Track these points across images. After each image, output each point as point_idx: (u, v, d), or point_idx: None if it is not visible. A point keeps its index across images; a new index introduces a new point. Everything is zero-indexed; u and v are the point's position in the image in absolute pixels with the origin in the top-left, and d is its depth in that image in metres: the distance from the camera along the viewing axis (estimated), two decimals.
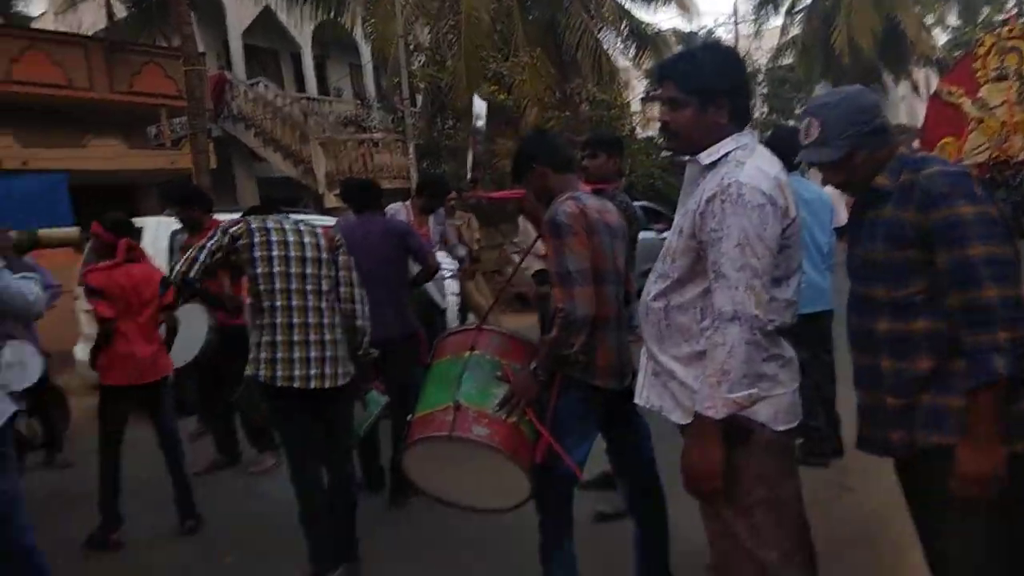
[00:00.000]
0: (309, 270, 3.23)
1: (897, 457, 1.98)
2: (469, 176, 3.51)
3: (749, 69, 21.03)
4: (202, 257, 3.09)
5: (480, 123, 3.46)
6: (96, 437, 3.97)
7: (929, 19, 26.38)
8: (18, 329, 4.49)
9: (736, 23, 26.02)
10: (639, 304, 2.16)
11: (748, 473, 1.86)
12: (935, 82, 17.16)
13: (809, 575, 1.94)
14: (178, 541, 3.92)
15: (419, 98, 16.02)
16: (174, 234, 6.20)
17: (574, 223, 2.48)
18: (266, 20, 18.02)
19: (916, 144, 9.55)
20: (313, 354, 3.16)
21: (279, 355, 3.11)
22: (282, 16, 17.28)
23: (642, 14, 21.39)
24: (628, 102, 19.55)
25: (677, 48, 18.84)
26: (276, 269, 3.15)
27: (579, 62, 15.74)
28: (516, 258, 6.97)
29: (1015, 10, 21.48)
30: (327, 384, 3.20)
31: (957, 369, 1.72)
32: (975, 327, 1.65)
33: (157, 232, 6.69)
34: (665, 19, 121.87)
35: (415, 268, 4.32)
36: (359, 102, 19.21)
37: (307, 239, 3.28)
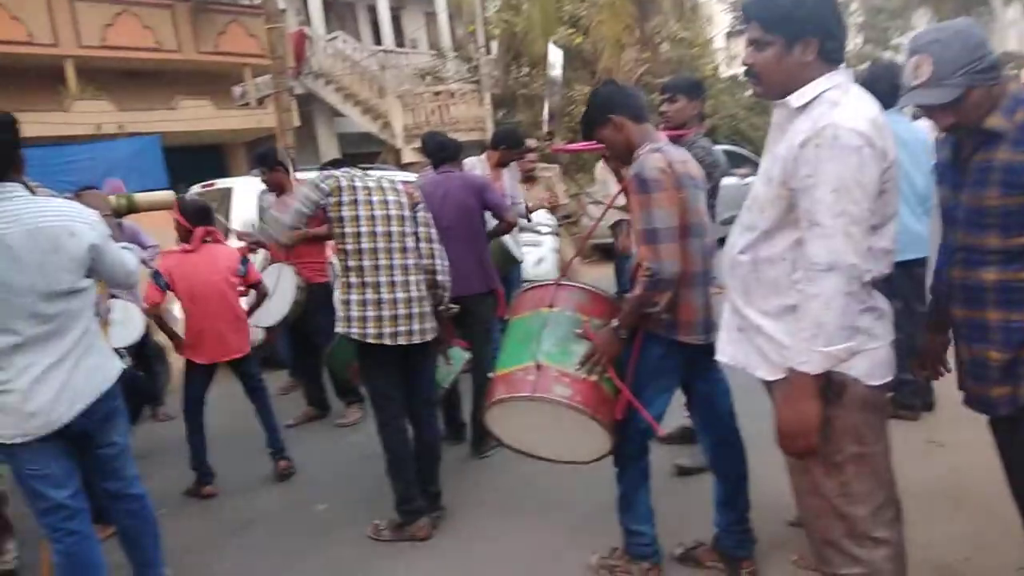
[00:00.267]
0: (394, 228, 3.28)
1: (999, 415, 1.87)
2: (546, 129, 3.43)
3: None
4: (305, 209, 3.24)
5: (555, 73, 3.36)
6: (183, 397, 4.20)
7: None
8: (120, 289, 4.75)
9: None
10: (723, 257, 2.09)
11: (840, 429, 1.80)
12: None
13: (897, 532, 1.88)
14: (270, 490, 4.13)
15: (494, 46, 15.80)
16: (261, 194, 6.39)
17: (662, 178, 2.41)
18: None
19: None
20: (401, 311, 3.24)
21: (369, 313, 3.20)
22: None
23: None
24: (711, 38, 18.74)
25: None
26: (363, 228, 3.22)
27: None
28: (592, 208, 6.87)
29: None
30: (415, 340, 3.27)
31: None
32: None
33: (246, 191, 6.93)
34: None
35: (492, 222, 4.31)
36: (434, 53, 19.12)
37: (390, 197, 3.32)
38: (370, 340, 3.20)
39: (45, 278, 2.36)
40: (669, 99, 3.64)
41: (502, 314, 2.91)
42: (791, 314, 1.82)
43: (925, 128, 3.90)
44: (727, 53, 19.57)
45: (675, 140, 3.66)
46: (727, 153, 11.58)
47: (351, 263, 3.23)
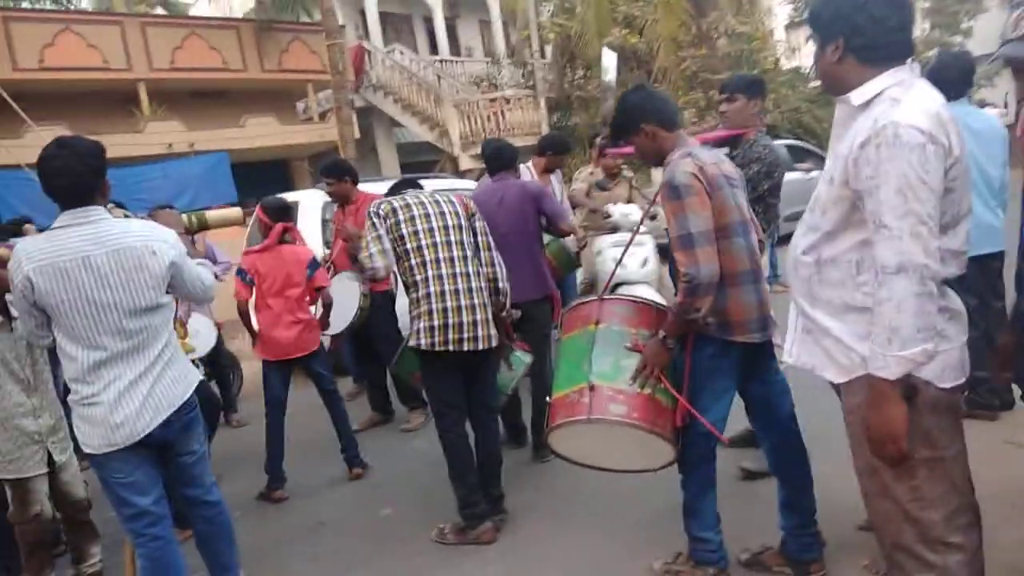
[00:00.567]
0: (452, 238, 3.35)
1: None
2: (603, 134, 3.41)
3: None
4: (376, 248, 3.29)
5: (610, 77, 3.34)
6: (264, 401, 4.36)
7: None
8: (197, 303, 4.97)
9: None
10: (788, 257, 2.06)
11: (912, 433, 1.74)
12: None
13: (974, 537, 1.82)
14: (338, 494, 4.24)
15: (548, 50, 15.83)
16: (326, 206, 6.56)
17: (693, 183, 2.41)
18: None
19: None
20: (465, 318, 3.30)
21: (436, 322, 3.27)
22: None
23: None
24: (771, 30, 18.34)
25: None
26: (424, 242, 3.30)
27: None
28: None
29: None
30: (480, 346, 3.33)
31: None
32: None
33: (311, 204, 7.12)
34: None
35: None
36: (489, 60, 19.26)
37: (446, 208, 3.40)
38: (436, 348, 3.27)
39: (129, 295, 2.49)
40: (728, 99, 3.60)
41: (558, 319, 2.94)
42: (857, 315, 1.79)
43: (996, 117, 3.75)
44: (787, 45, 19.10)
45: (735, 139, 3.63)
46: (790, 148, 11.36)
47: (416, 277, 3.31)
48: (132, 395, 2.51)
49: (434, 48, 20.14)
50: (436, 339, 3.26)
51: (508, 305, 3.56)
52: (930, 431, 1.76)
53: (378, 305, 5.05)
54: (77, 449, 2.84)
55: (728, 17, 14.64)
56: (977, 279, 3.53)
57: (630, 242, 3.56)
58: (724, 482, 2.85)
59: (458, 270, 3.33)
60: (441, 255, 3.31)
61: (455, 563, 3.24)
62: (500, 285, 3.48)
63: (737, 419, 2.92)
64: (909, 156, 1.63)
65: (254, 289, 4.28)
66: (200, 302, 3.72)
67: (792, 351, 2.04)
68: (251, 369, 6.36)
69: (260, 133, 13.93)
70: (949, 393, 1.78)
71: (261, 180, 12.86)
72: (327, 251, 5.65)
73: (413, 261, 3.31)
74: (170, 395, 2.59)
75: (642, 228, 6.38)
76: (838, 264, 1.84)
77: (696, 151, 2.56)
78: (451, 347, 3.27)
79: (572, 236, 4.67)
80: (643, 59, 14.27)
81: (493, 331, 3.40)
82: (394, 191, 3.71)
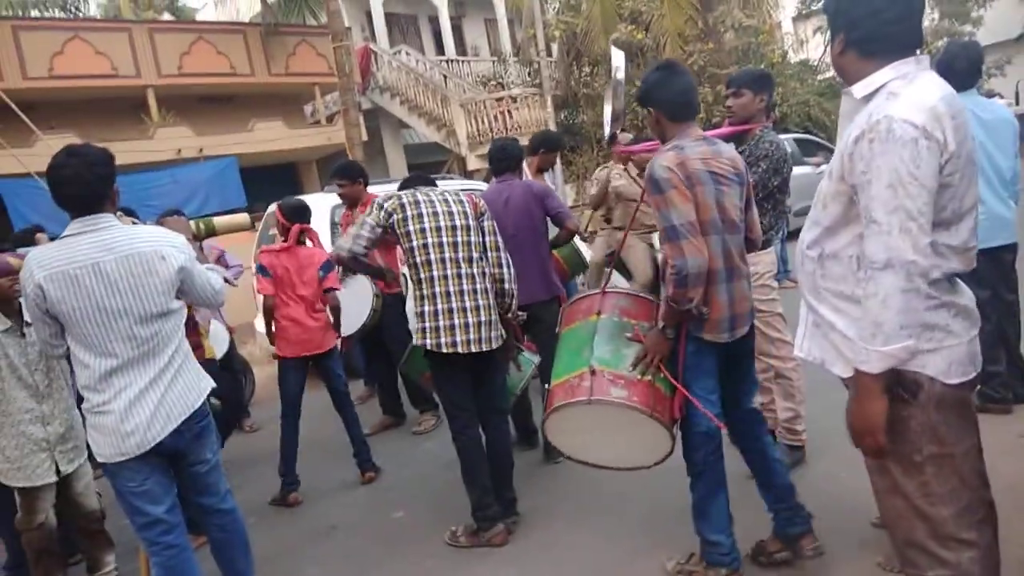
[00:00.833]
0: (460, 238, 3.34)
1: None
2: (608, 132, 3.37)
3: None
4: (366, 232, 3.33)
5: (620, 76, 3.32)
6: (278, 404, 4.40)
7: None
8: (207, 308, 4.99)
9: None
10: (796, 251, 2.06)
11: (917, 429, 1.74)
12: None
13: (987, 533, 1.80)
14: (351, 497, 4.25)
15: (554, 48, 15.79)
16: (334, 209, 6.57)
17: (671, 176, 2.46)
18: None
19: None
20: (471, 319, 3.29)
21: (441, 323, 3.27)
22: None
23: None
24: (779, 23, 18.23)
25: None
26: (430, 240, 3.29)
27: None
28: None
29: None
30: (484, 347, 3.32)
31: None
32: None
33: (319, 207, 7.14)
34: None
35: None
36: (495, 59, 19.25)
37: (455, 208, 3.39)
38: (443, 349, 3.27)
39: (140, 301, 2.51)
40: (734, 93, 3.58)
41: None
42: (858, 309, 1.77)
43: (1006, 107, 3.71)
44: (795, 38, 18.99)
45: (741, 135, 3.61)
46: (799, 141, 11.29)
47: (421, 275, 3.31)
48: (143, 403, 2.52)
49: (440, 48, 20.15)
50: (443, 340, 3.26)
51: (515, 306, 3.55)
52: (936, 427, 1.74)
53: (389, 306, 5.06)
54: (91, 458, 2.86)
55: (735, 11, 14.54)
56: (989, 271, 3.50)
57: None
58: (735, 483, 2.84)
59: (463, 271, 3.32)
60: (447, 255, 3.30)
61: (468, 566, 3.24)
62: (507, 286, 3.47)
63: None
64: (901, 151, 1.62)
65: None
66: (210, 307, 3.74)
67: (803, 345, 2.04)
68: (263, 374, 6.40)
69: (268, 137, 13.99)
70: (956, 389, 1.75)
71: (270, 184, 12.93)
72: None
73: (418, 259, 3.30)
74: (181, 404, 2.60)
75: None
76: (839, 259, 1.84)
77: (686, 145, 2.57)
78: (458, 348, 3.27)
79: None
80: (649, 54, 14.21)
81: (498, 332, 3.40)
82: (406, 186, 3.71)
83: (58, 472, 3.18)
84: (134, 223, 3.17)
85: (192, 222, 4.21)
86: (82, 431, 3.08)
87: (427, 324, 3.29)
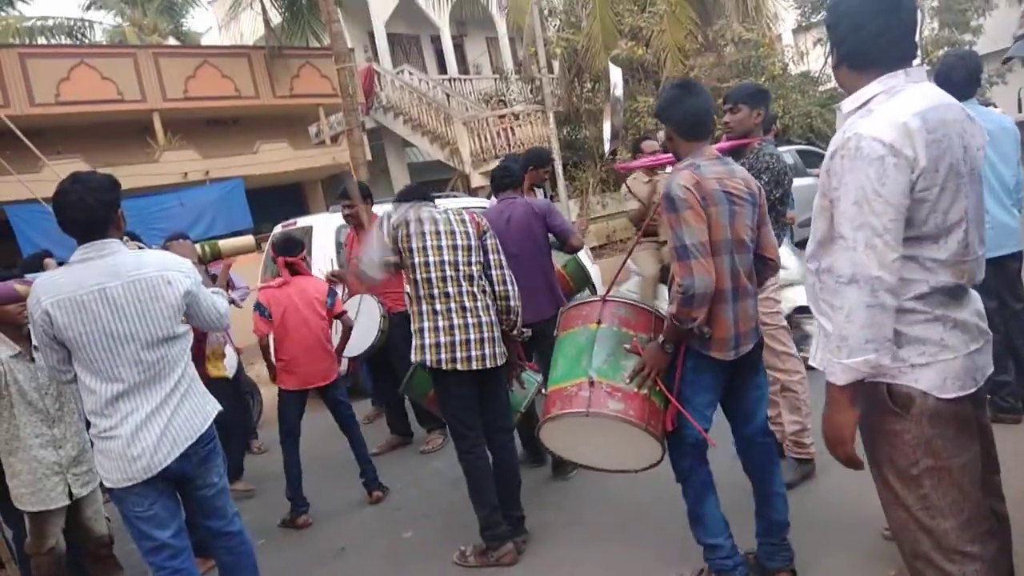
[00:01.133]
0: (461, 257, 3.36)
1: None
2: (608, 148, 3.39)
3: None
4: (387, 241, 3.36)
5: (618, 92, 3.36)
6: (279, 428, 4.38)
7: None
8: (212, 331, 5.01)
9: None
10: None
11: (912, 442, 1.75)
12: None
13: (990, 546, 1.79)
14: (359, 517, 4.24)
15: (556, 65, 15.86)
16: (339, 229, 6.60)
17: (688, 196, 2.48)
18: (406, 6, 18.56)
19: None
20: (472, 336, 3.30)
21: (442, 340, 3.27)
22: (420, 0, 17.78)
23: None
24: (779, 35, 18.29)
25: None
26: (431, 258, 3.31)
27: (721, 2, 14.88)
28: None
29: None
30: (487, 364, 3.32)
31: None
32: None
33: (325, 228, 7.18)
34: None
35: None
36: (497, 76, 19.36)
37: (456, 227, 3.40)
38: (444, 367, 3.27)
39: (146, 326, 2.52)
40: (731, 109, 3.60)
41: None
42: None
43: (1008, 117, 3.71)
44: (795, 50, 19.04)
45: (741, 148, 3.62)
46: (801, 153, 11.30)
47: (422, 292, 3.32)
48: (149, 428, 2.53)
49: (442, 67, 20.29)
50: (443, 356, 3.26)
51: (519, 324, 3.55)
52: (931, 441, 1.74)
53: (395, 325, 5.07)
54: (100, 483, 2.86)
55: (734, 25, 14.60)
56: (995, 281, 3.49)
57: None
58: (747, 495, 2.83)
59: (464, 288, 3.33)
60: (448, 273, 3.32)
61: None
62: (512, 303, 3.48)
63: None
64: (867, 169, 1.66)
65: (273, 322, 4.32)
66: (216, 330, 3.75)
67: (816, 355, 2.06)
68: (270, 395, 6.39)
69: (274, 158, 14.08)
70: (952, 403, 1.75)
71: (276, 204, 13.01)
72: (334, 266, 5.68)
73: (419, 276, 3.32)
74: (188, 428, 2.61)
75: None
76: (832, 272, 1.85)
77: (703, 164, 2.59)
78: (459, 365, 3.27)
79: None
80: (650, 70, 14.26)
81: (500, 349, 3.40)
82: (403, 198, 3.70)
83: (71, 495, 3.19)
84: (140, 247, 3.19)
85: (197, 245, 4.24)
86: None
87: (427, 341, 3.29)
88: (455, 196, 8.79)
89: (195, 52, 15.47)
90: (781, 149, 3.72)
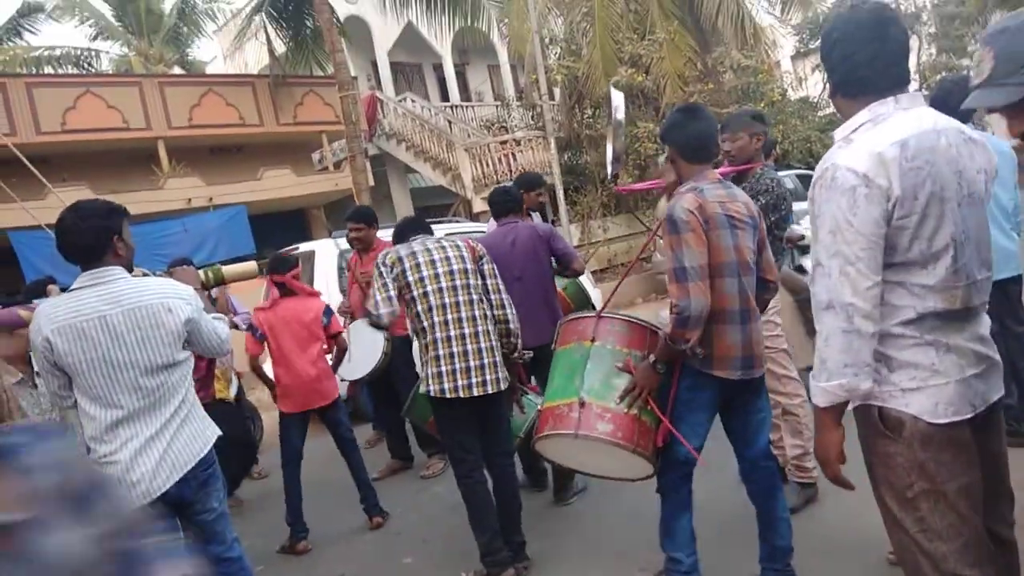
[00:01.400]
0: (458, 282, 3.37)
1: None
2: (610, 172, 3.43)
3: (912, 9, 19.15)
4: (390, 292, 3.35)
5: (620, 116, 3.39)
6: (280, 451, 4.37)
7: None
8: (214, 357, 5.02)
9: None
10: None
11: (905, 465, 1.76)
12: None
13: (989, 572, 1.78)
14: (359, 543, 4.21)
15: (556, 92, 16.03)
16: (342, 254, 6.63)
17: (690, 219, 2.51)
18: (409, 36, 18.79)
19: None
20: (473, 363, 3.30)
21: (444, 368, 3.28)
22: (423, 29, 18.02)
23: None
24: (778, 61, 18.47)
25: None
26: (429, 288, 3.33)
27: (720, 29, 15.05)
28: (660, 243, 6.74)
29: None
30: (489, 390, 3.33)
31: None
32: None
33: (328, 253, 7.22)
34: None
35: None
36: (499, 103, 19.55)
37: (451, 254, 3.43)
38: (447, 395, 3.27)
39: (146, 353, 2.53)
40: (730, 137, 3.63)
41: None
42: None
43: (1005, 140, 3.74)
44: (794, 76, 19.24)
45: (741, 175, 3.65)
46: (801, 177, 11.35)
47: (424, 323, 3.33)
48: (148, 453, 2.53)
49: (445, 94, 20.51)
50: (446, 385, 3.27)
51: (520, 346, 3.56)
52: (924, 464, 1.74)
53: (397, 349, 5.07)
54: None
55: (733, 51, 14.77)
56: (996, 304, 3.47)
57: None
58: (750, 520, 2.82)
59: (464, 314, 3.34)
60: (447, 300, 3.33)
61: None
62: (511, 327, 3.49)
63: None
64: (840, 199, 1.70)
65: (268, 344, 4.32)
66: (217, 356, 3.76)
67: None
68: (271, 419, 6.38)
69: (277, 185, 14.17)
70: (946, 428, 1.74)
71: (279, 230, 13.06)
72: (344, 299, 5.69)
73: (420, 308, 3.33)
74: (187, 453, 2.61)
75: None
76: (815, 297, 1.87)
77: (705, 188, 2.62)
78: (460, 393, 3.27)
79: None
80: (650, 96, 14.40)
81: (502, 374, 3.40)
82: (399, 235, 3.73)
83: None
84: (145, 274, 3.21)
85: (201, 271, 4.26)
86: None
87: (430, 371, 3.31)
88: (457, 221, 8.83)
89: (200, 81, 15.65)
90: (781, 174, 3.76)
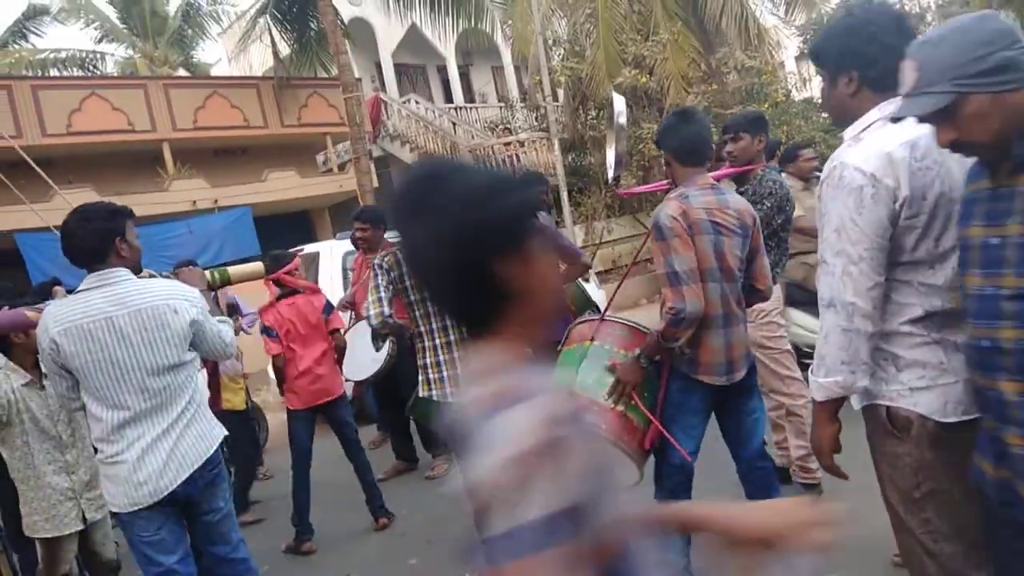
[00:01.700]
0: None
1: None
2: (612, 175, 3.42)
3: (916, 10, 19.08)
4: (382, 295, 3.42)
5: (622, 120, 3.38)
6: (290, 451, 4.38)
7: None
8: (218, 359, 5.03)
9: None
10: None
11: (913, 465, 1.76)
12: None
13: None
14: (365, 544, 4.22)
15: (560, 93, 16.03)
16: (346, 255, 6.65)
17: (674, 225, 2.56)
18: (413, 37, 18.82)
19: None
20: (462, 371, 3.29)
21: (444, 374, 3.29)
22: (427, 31, 18.04)
23: None
24: (782, 62, 18.43)
25: None
26: (425, 292, 3.31)
27: (724, 30, 15.02)
28: None
29: None
30: None
31: None
32: None
33: (332, 254, 7.24)
34: None
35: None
36: (502, 105, 19.56)
37: None
38: (448, 399, 3.27)
39: (152, 355, 2.55)
40: (733, 138, 3.64)
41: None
42: None
43: None
44: (798, 76, 19.20)
45: (744, 176, 3.66)
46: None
47: (422, 328, 3.34)
48: (155, 453, 2.55)
49: (448, 96, 20.53)
50: (448, 391, 3.28)
51: None
52: (932, 464, 1.75)
53: (403, 348, 5.07)
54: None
55: (737, 52, 14.74)
56: None
57: None
58: None
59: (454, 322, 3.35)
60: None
61: None
62: None
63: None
64: (846, 198, 1.71)
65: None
66: (221, 359, 3.77)
67: None
68: (276, 421, 6.40)
69: (282, 186, 14.19)
70: (955, 428, 1.73)
71: (283, 232, 13.07)
72: (347, 292, 5.71)
73: (418, 312, 3.34)
74: (193, 452, 2.63)
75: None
76: (819, 294, 1.88)
77: (692, 194, 2.65)
78: (451, 400, 3.27)
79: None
80: (654, 97, 14.38)
81: None
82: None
83: (84, 520, 3.20)
84: (151, 275, 3.23)
85: (207, 272, 4.28)
86: None
87: (430, 375, 3.32)
88: None
89: (205, 83, 15.69)
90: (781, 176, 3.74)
